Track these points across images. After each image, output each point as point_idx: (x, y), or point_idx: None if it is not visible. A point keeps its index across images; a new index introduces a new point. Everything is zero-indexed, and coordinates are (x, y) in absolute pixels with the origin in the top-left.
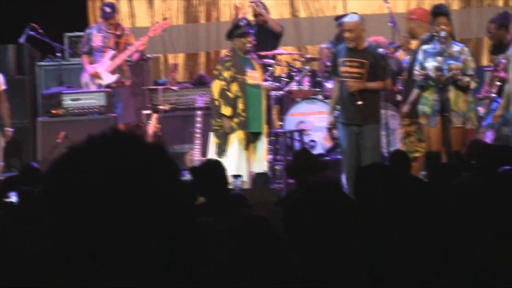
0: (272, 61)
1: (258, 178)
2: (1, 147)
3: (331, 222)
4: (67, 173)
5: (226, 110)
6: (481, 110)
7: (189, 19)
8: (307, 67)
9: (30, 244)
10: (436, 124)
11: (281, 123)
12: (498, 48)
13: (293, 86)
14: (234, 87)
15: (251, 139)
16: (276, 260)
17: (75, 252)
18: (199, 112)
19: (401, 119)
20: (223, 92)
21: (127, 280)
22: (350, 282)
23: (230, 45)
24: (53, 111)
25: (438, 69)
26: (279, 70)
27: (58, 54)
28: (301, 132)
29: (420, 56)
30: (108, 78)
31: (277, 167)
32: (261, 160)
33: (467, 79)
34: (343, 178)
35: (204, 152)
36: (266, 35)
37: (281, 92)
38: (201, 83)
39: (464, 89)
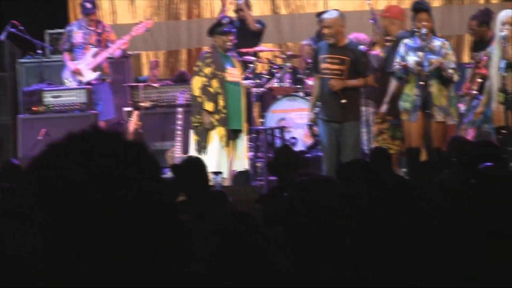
0: (253, 58)
1: (239, 175)
2: None
3: (327, 220)
4: (47, 170)
5: (209, 106)
6: (462, 107)
7: (170, 16)
8: (288, 64)
9: (13, 242)
10: (417, 119)
11: (262, 120)
12: (479, 45)
13: (274, 83)
14: (215, 83)
15: (231, 136)
16: (261, 257)
17: (59, 250)
18: (180, 109)
19: (374, 116)
20: (204, 88)
21: (112, 279)
22: (341, 281)
23: (211, 42)
24: (34, 108)
25: (419, 64)
26: (260, 67)
27: (39, 51)
28: (282, 129)
29: (401, 50)
30: (89, 75)
31: (258, 164)
32: (242, 158)
33: (450, 70)
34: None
35: (185, 149)
36: (246, 31)
37: (262, 89)
38: (182, 80)
39: (447, 81)
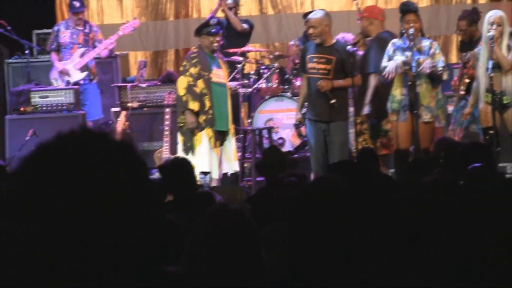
0: (240, 58)
1: (227, 176)
2: None
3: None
4: (36, 171)
5: (194, 105)
6: (450, 108)
7: (157, 16)
8: (275, 65)
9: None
10: (406, 119)
11: (249, 120)
12: (467, 45)
13: (262, 84)
14: (200, 84)
15: (219, 137)
16: (253, 255)
17: (46, 251)
18: (167, 110)
19: (355, 118)
20: (190, 88)
21: (100, 278)
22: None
23: (198, 42)
24: (22, 109)
25: (406, 64)
26: (248, 68)
27: (27, 51)
28: (269, 129)
29: (389, 49)
30: (77, 76)
31: (246, 165)
32: (231, 160)
33: (439, 68)
34: (312, 176)
35: (172, 149)
36: (234, 31)
37: (250, 90)
38: (169, 80)
39: (436, 80)
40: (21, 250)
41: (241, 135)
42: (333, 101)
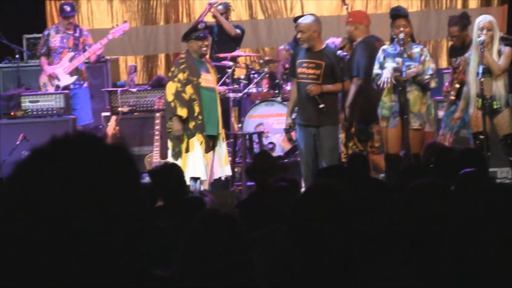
0: (230, 63)
1: (217, 181)
2: None
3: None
4: (30, 175)
5: (182, 111)
6: (440, 113)
7: (147, 21)
8: (265, 69)
9: None
10: (396, 125)
11: (239, 125)
12: (457, 50)
13: (252, 88)
14: (189, 89)
15: (209, 142)
16: (243, 258)
17: (41, 253)
18: (157, 114)
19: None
20: (178, 94)
21: (91, 283)
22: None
23: (186, 47)
24: (12, 113)
25: (397, 70)
26: (238, 72)
27: (17, 56)
28: (260, 134)
29: (380, 56)
30: (67, 80)
31: (236, 169)
32: (223, 165)
33: (426, 77)
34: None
35: (163, 154)
36: (225, 36)
37: (240, 94)
38: (159, 85)
39: (423, 87)
40: (18, 251)
41: (231, 140)
42: (321, 105)
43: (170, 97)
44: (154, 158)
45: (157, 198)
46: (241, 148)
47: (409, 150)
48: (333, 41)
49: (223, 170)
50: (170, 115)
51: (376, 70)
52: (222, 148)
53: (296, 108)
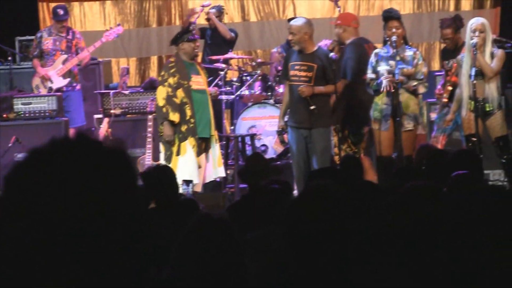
0: (223, 65)
1: (209, 183)
2: None
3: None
4: (28, 176)
5: (175, 117)
6: (433, 115)
7: (140, 23)
8: (258, 72)
9: None
10: (388, 128)
11: (232, 127)
12: (451, 53)
13: (244, 91)
14: (180, 93)
15: (202, 145)
16: (235, 262)
17: (37, 257)
18: (150, 117)
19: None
20: (169, 99)
21: (87, 284)
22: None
23: (175, 50)
24: (4, 115)
25: (390, 72)
26: (230, 74)
27: (9, 58)
28: (252, 136)
29: (372, 60)
30: (59, 82)
31: (229, 172)
32: (216, 166)
33: (414, 83)
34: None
35: (155, 156)
36: (219, 39)
37: (232, 97)
38: (152, 87)
39: (412, 92)
40: (16, 251)
41: (224, 142)
42: (312, 107)
43: (161, 102)
44: (147, 160)
45: (150, 200)
46: (233, 150)
47: (402, 152)
48: (326, 43)
49: (217, 171)
50: (162, 120)
51: (369, 74)
52: (216, 149)
53: (288, 110)
